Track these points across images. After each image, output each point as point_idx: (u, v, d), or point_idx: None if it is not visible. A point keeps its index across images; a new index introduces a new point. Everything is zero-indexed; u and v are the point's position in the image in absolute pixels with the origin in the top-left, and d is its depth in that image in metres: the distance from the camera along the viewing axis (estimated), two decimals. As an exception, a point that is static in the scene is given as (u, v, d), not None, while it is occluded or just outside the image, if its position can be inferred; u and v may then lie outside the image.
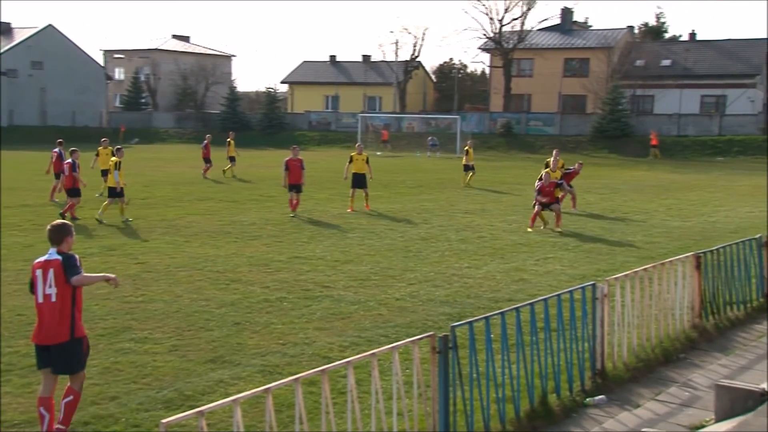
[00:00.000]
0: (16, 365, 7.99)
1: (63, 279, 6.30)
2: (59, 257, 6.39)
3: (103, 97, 70.64)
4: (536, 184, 17.96)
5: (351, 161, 21.23)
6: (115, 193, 18.40)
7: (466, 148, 29.10)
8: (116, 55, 79.71)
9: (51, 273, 6.33)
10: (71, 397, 6.37)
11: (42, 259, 6.47)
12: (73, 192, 18.64)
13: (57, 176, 21.69)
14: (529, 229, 17.41)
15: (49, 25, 67.56)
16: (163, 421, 4.40)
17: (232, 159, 30.69)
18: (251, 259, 13.61)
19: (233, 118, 62.00)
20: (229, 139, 31.59)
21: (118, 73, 79.54)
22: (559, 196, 18.04)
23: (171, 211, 20.12)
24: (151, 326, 9.39)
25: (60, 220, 6.91)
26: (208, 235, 16.34)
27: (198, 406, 5.20)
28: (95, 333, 9.08)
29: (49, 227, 6.60)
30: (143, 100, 73.27)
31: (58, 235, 6.49)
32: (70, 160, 18.76)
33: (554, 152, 20.40)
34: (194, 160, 41.75)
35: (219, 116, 63.59)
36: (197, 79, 72.28)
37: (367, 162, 21.22)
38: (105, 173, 23.24)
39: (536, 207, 17.62)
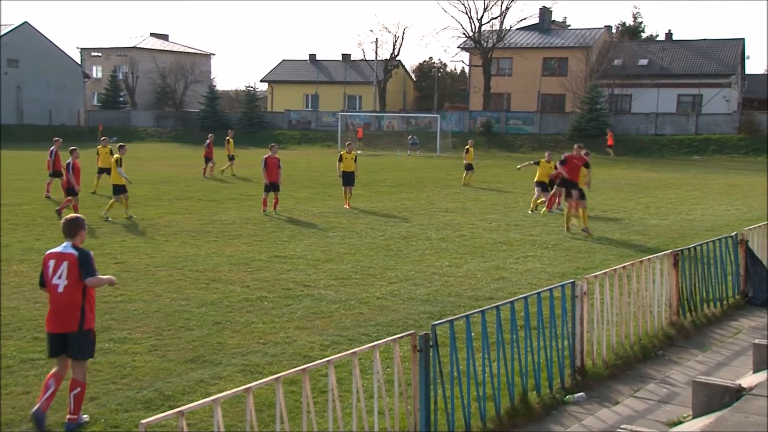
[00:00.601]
0: (-7, 367, 7.89)
1: (77, 274, 6.58)
2: (75, 252, 6.65)
3: (81, 96, 69.83)
4: (556, 167, 17.54)
5: (341, 160, 21.38)
6: (120, 190, 18.58)
7: (467, 147, 29.11)
8: (94, 53, 78.90)
9: (64, 265, 6.59)
10: (78, 389, 6.58)
11: (55, 250, 6.72)
12: (69, 191, 18.50)
13: (55, 174, 22.27)
14: (545, 210, 18.61)
15: (25, 22, 66.63)
16: (143, 421, 4.37)
17: (231, 158, 30.87)
18: (231, 259, 13.54)
19: (212, 117, 61.62)
20: (228, 138, 31.80)
21: (96, 72, 78.72)
22: (586, 182, 17.44)
23: (150, 210, 19.97)
24: (131, 326, 9.32)
25: (74, 214, 7.22)
26: (187, 235, 16.24)
27: (178, 406, 5.17)
28: (73, 334, 9.00)
29: (63, 221, 6.88)
30: (121, 99, 72.54)
31: (72, 229, 6.76)
32: (69, 160, 18.60)
33: (547, 154, 21.05)
34: (173, 159, 41.54)
35: (198, 115, 63.16)
36: (176, 78, 71.74)
37: (355, 161, 21.47)
38: (102, 171, 23.87)
39: (557, 189, 17.81)
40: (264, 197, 19.77)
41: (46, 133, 60.62)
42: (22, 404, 6.92)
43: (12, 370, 7.77)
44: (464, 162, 28.72)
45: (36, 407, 6.44)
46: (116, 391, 7.26)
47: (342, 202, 21.33)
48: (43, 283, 6.75)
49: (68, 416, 6.56)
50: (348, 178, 21.16)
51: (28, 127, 61.57)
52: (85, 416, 6.65)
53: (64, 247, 6.71)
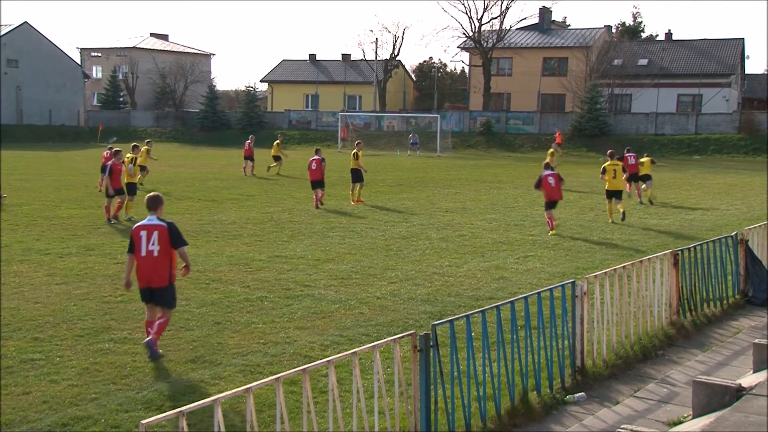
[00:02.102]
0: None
1: (167, 241, 8.17)
2: (164, 224, 8.27)
3: (81, 96, 69.79)
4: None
5: (357, 158, 22.67)
6: (132, 189, 18.83)
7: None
8: (93, 53, 78.84)
9: (156, 234, 8.17)
10: (164, 319, 8.33)
11: (143, 222, 8.33)
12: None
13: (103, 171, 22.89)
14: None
15: (25, 22, 66.58)
16: (143, 421, 4.37)
17: (277, 158, 32.23)
18: (231, 259, 13.54)
19: (212, 117, 61.60)
20: (277, 141, 33.65)
21: (96, 72, 78.66)
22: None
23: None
24: (131, 326, 9.31)
25: (155, 192, 8.66)
26: (187, 235, 15.97)
27: (178, 407, 5.17)
28: (74, 333, 9.01)
29: (146, 197, 8.48)
30: (121, 99, 72.52)
31: (154, 204, 8.38)
32: (109, 162, 18.63)
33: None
34: (173, 158, 41.51)
35: (198, 115, 63.14)
36: (176, 78, 71.68)
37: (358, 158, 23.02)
38: (143, 169, 25.39)
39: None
40: (315, 194, 21.22)
41: (45, 133, 60.77)
42: (22, 405, 6.92)
43: (12, 371, 7.77)
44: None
45: (148, 338, 8.15)
46: (116, 392, 7.26)
47: (351, 198, 22.15)
48: (132, 250, 8.24)
49: (150, 336, 8.15)
50: (359, 175, 22.38)
51: (28, 127, 61.54)
52: (160, 351, 8.19)
53: (149, 219, 8.27)
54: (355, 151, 23.03)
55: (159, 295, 8.28)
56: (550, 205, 16.94)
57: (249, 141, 32.52)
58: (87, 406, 6.91)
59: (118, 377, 7.61)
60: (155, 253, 8.15)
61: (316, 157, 21.87)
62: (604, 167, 19.17)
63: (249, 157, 31.49)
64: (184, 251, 8.43)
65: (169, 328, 9.34)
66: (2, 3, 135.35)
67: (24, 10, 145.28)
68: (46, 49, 66.74)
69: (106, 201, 18.24)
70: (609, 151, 20.43)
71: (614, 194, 18.77)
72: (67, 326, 9.31)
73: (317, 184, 21.23)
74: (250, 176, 30.54)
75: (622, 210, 18.37)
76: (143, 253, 8.19)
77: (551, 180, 16.91)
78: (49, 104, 65.50)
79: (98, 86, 75.70)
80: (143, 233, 8.21)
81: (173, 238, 8.25)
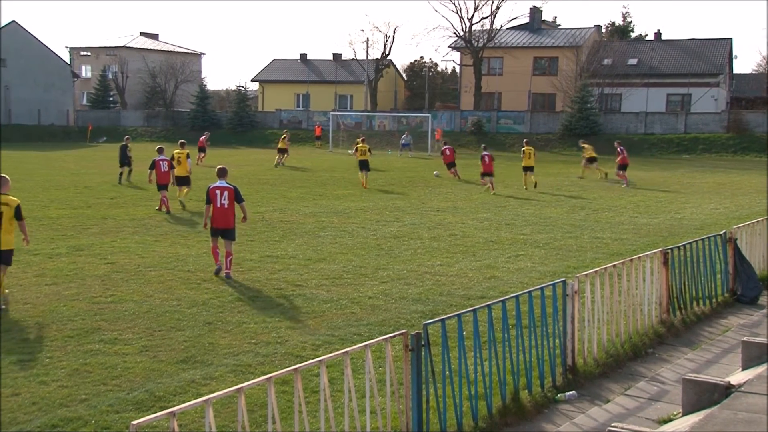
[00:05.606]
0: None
1: (233, 198, 12.10)
2: (231, 186, 12.17)
3: (70, 96, 69.33)
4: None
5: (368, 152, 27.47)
6: (186, 181, 20.96)
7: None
8: (83, 53, 78.43)
9: (226, 193, 12.08)
10: (231, 256, 12.10)
11: (216, 184, 12.16)
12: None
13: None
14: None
15: (13, 21, 66.13)
16: (134, 422, 4.35)
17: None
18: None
19: (203, 117, 61.36)
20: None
21: (85, 71, 78.23)
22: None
23: (140, 210, 19.89)
24: (121, 327, 9.29)
25: (222, 165, 12.66)
26: (178, 234, 16.19)
27: (169, 407, 5.16)
28: (64, 334, 8.97)
29: (217, 168, 12.43)
30: (111, 99, 72.14)
31: (223, 173, 12.24)
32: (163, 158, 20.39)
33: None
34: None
35: (189, 114, 62.90)
36: (166, 77, 71.39)
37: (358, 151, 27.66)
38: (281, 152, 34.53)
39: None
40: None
41: (34, 133, 60.43)
42: (11, 406, 6.89)
43: (12, 372, 7.72)
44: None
45: (218, 265, 12.08)
46: (107, 393, 7.23)
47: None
48: (209, 201, 12.04)
49: (225, 271, 11.94)
50: (367, 164, 27.19)
51: (16, 127, 61.12)
52: (231, 274, 11.91)
53: (220, 182, 12.12)
54: (367, 146, 27.70)
55: (227, 233, 12.07)
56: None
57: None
58: (77, 407, 6.88)
59: (108, 378, 7.58)
60: (226, 206, 12.01)
61: (449, 146, 30.80)
62: (523, 150, 26.37)
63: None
64: (244, 205, 12.27)
65: (160, 328, 9.35)
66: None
67: (12, 9, 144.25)
68: (34, 49, 66.26)
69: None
70: (525, 140, 28.84)
71: (528, 169, 26.06)
72: (56, 327, 9.27)
73: (451, 165, 30.23)
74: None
75: (534, 180, 25.68)
76: (218, 204, 12.00)
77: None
78: (38, 104, 65.05)
79: (88, 86, 75.29)
80: (218, 192, 12.03)
81: (237, 196, 12.11)
